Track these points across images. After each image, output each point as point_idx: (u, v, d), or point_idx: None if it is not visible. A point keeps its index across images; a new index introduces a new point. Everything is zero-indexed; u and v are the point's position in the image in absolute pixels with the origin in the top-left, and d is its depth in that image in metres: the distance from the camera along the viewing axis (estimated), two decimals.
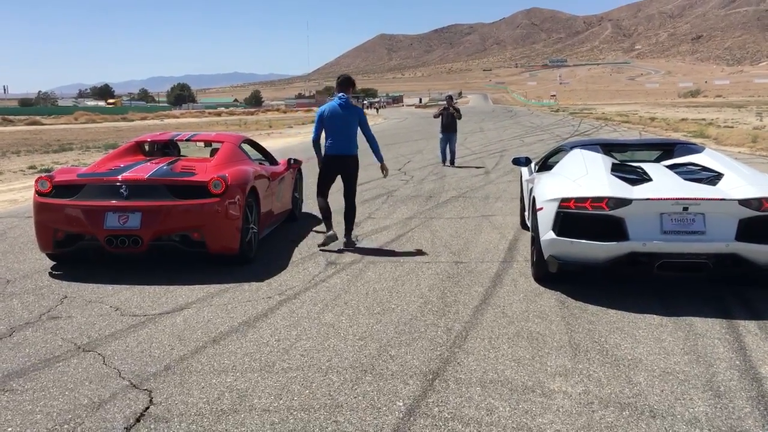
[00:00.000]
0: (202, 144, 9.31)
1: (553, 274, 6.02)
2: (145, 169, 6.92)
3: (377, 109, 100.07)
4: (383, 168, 7.92)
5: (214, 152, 8.18)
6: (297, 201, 9.62)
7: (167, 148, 8.45)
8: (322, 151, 7.79)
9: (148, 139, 8.43)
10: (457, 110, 17.56)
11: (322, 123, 7.69)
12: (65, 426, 3.54)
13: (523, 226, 8.57)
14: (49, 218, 6.61)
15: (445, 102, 18.02)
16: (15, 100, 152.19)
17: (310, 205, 10.70)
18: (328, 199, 7.93)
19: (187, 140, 8.50)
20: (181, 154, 8.79)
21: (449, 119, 17.28)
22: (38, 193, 6.71)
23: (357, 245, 7.80)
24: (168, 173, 6.83)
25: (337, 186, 7.95)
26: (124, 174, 6.72)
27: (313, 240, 8.24)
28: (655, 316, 5.27)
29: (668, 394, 3.88)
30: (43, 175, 6.91)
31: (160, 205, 6.41)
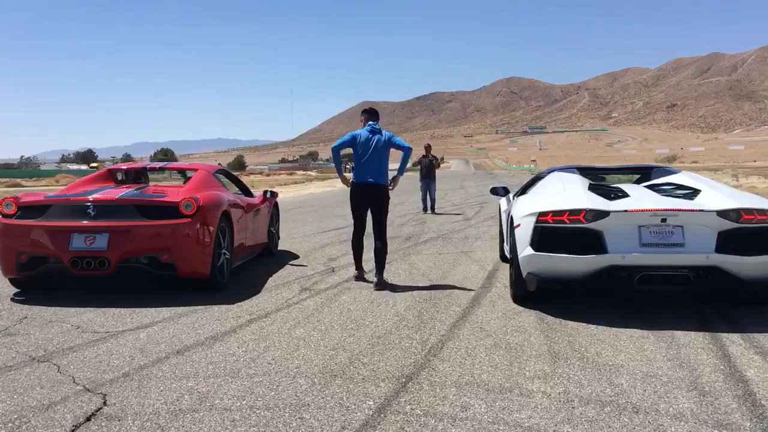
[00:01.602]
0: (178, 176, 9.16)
1: (532, 293, 5.86)
2: (115, 192, 6.75)
3: None
4: (395, 180, 7.31)
5: (187, 180, 8.04)
6: (273, 236, 9.42)
7: (139, 177, 8.28)
8: (349, 178, 7.24)
9: (123, 167, 8.28)
10: (436, 157, 17.79)
11: (349, 142, 7.15)
12: (9, 425, 3.29)
13: (503, 258, 8.43)
14: (13, 241, 6.34)
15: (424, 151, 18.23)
16: None
17: (287, 244, 10.52)
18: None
19: (160, 168, 8.38)
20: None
21: (428, 166, 17.46)
22: (2, 215, 6.47)
23: (390, 284, 7.09)
24: (138, 195, 6.65)
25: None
26: (93, 195, 6.54)
27: (288, 271, 8.00)
28: (636, 330, 5.11)
29: (651, 393, 3.71)
30: (9, 196, 6.70)
31: (129, 226, 6.19)
